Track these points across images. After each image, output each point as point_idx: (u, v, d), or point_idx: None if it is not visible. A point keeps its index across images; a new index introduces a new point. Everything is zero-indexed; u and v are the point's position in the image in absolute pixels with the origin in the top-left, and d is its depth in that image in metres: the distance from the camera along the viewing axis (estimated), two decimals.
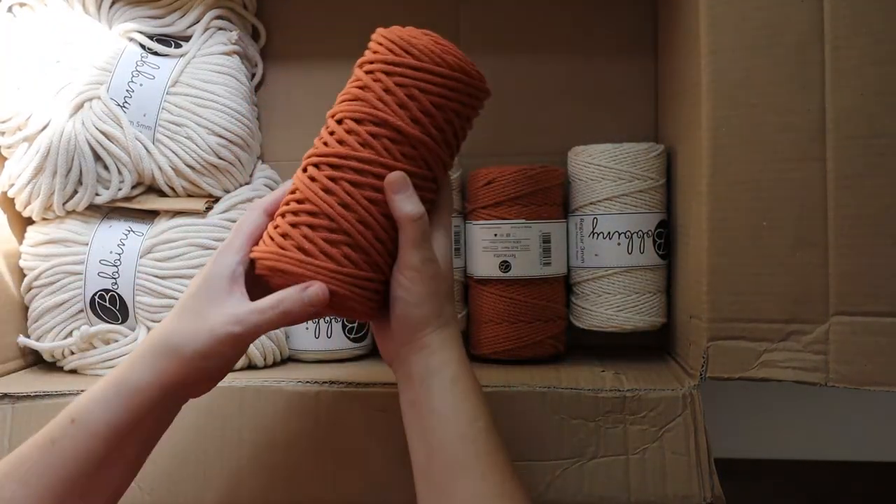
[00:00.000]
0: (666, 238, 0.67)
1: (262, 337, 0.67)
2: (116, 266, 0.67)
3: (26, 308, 0.70)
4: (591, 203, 0.66)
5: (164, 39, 0.72)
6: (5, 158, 0.69)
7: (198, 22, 0.73)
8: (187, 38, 0.73)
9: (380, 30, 0.51)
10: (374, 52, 0.50)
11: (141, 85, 0.68)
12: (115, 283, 0.67)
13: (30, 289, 0.69)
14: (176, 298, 0.65)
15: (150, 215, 0.70)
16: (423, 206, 0.47)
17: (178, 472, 0.58)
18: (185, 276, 0.66)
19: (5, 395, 0.60)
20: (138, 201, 0.69)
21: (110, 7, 0.73)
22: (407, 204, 0.47)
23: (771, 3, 0.52)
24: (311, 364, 0.69)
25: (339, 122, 0.49)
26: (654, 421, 0.56)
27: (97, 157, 0.68)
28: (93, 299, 0.67)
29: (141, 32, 0.71)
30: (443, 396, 0.47)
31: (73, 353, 0.68)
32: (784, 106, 0.52)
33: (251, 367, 0.67)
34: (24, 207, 0.69)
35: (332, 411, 0.59)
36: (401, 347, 0.48)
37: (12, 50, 0.68)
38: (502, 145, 0.74)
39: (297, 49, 0.78)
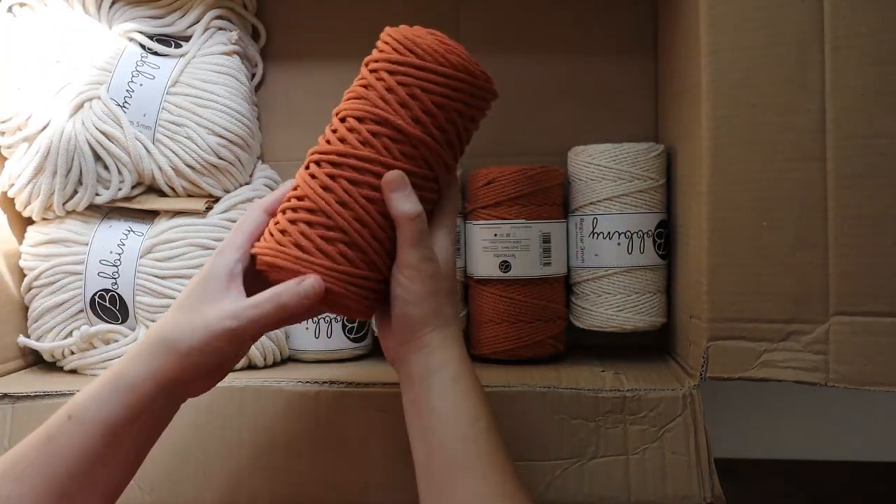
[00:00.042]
0: (666, 238, 0.67)
1: (263, 337, 0.67)
2: (116, 266, 0.67)
3: (26, 308, 0.70)
4: (591, 203, 0.66)
5: (164, 39, 0.72)
6: (5, 158, 0.69)
7: (198, 22, 0.73)
8: (187, 38, 0.73)
9: (388, 28, 0.51)
10: (380, 51, 0.50)
11: (141, 85, 0.68)
12: (115, 283, 0.67)
13: (30, 289, 0.69)
14: (176, 298, 0.65)
15: (150, 215, 0.70)
16: (420, 205, 0.47)
17: (178, 472, 0.58)
18: (185, 276, 0.66)
19: (5, 395, 0.60)
20: (138, 201, 0.69)
21: (110, 7, 0.73)
22: (404, 202, 0.47)
23: (771, 3, 0.52)
24: (311, 364, 0.69)
25: (343, 119, 0.49)
26: (654, 421, 0.56)
27: (97, 157, 0.68)
28: (93, 299, 0.67)
29: (141, 32, 0.71)
30: (443, 396, 0.47)
31: (73, 353, 0.68)
32: (784, 106, 0.52)
33: (251, 367, 0.67)
34: (24, 207, 0.69)
35: (332, 411, 0.59)
36: (401, 346, 0.48)
37: (12, 50, 0.68)
38: (502, 145, 0.74)
39: (297, 49, 0.77)
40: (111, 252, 0.67)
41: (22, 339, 0.69)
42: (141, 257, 0.67)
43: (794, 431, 0.82)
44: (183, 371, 0.45)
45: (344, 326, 0.69)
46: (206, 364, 0.46)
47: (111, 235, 0.68)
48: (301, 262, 0.47)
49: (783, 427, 0.82)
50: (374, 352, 0.72)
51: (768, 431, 0.82)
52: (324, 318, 0.69)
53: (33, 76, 0.67)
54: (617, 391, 0.57)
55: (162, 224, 0.68)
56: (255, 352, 0.67)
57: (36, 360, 0.72)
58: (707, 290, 0.54)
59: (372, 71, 0.49)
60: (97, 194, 0.69)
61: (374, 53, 0.50)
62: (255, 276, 0.49)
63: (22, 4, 0.71)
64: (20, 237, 0.71)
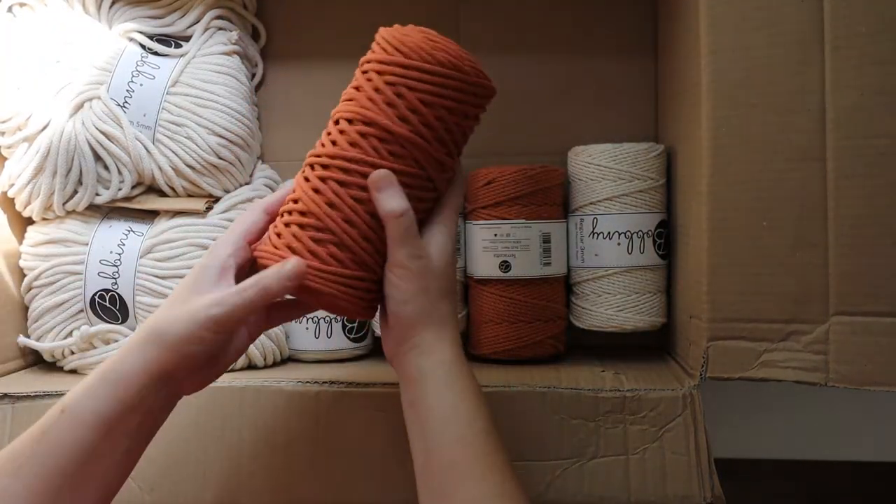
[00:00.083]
0: (666, 238, 0.67)
1: (262, 337, 0.67)
2: (116, 266, 0.67)
3: (26, 308, 0.70)
4: (591, 203, 0.66)
5: (164, 39, 0.72)
6: (5, 158, 0.69)
7: (198, 22, 0.73)
8: (187, 38, 0.73)
9: (381, 29, 0.51)
10: (372, 52, 0.50)
11: (141, 85, 0.68)
12: (115, 283, 0.67)
13: (30, 289, 0.69)
14: None
15: (150, 215, 0.70)
16: (407, 203, 0.47)
17: (178, 472, 0.58)
18: (184, 276, 0.66)
19: (5, 395, 0.60)
20: (138, 201, 0.69)
21: (110, 7, 0.73)
22: (389, 201, 0.47)
23: (771, 3, 0.52)
24: (311, 364, 0.69)
25: (336, 122, 0.50)
26: (654, 421, 0.56)
27: (97, 157, 0.68)
28: (93, 299, 0.67)
29: (141, 32, 0.71)
30: (439, 397, 0.46)
31: (73, 353, 0.68)
32: (784, 106, 0.52)
33: (251, 367, 0.67)
34: (24, 207, 0.69)
35: (332, 411, 0.59)
36: (398, 346, 0.48)
37: (12, 50, 0.68)
38: (502, 145, 0.74)
39: (297, 49, 0.78)
40: (111, 252, 0.67)
41: (22, 339, 0.69)
42: (141, 257, 0.67)
43: (794, 431, 0.82)
44: (170, 361, 0.45)
45: (344, 326, 0.69)
46: (194, 354, 0.46)
47: (111, 235, 0.68)
48: None
49: (783, 427, 0.82)
50: (374, 352, 0.72)
51: (768, 431, 0.82)
52: (324, 318, 0.69)
53: (33, 76, 0.67)
54: (617, 391, 0.57)
55: (162, 224, 0.68)
56: (255, 352, 0.67)
57: (36, 360, 0.72)
58: (707, 290, 0.54)
59: (363, 72, 0.50)
60: (97, 194, 0.69)
61: (368, 54, 0.51)
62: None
63: (22, 4, 0.71)
64: (20, 237, 0.71)
